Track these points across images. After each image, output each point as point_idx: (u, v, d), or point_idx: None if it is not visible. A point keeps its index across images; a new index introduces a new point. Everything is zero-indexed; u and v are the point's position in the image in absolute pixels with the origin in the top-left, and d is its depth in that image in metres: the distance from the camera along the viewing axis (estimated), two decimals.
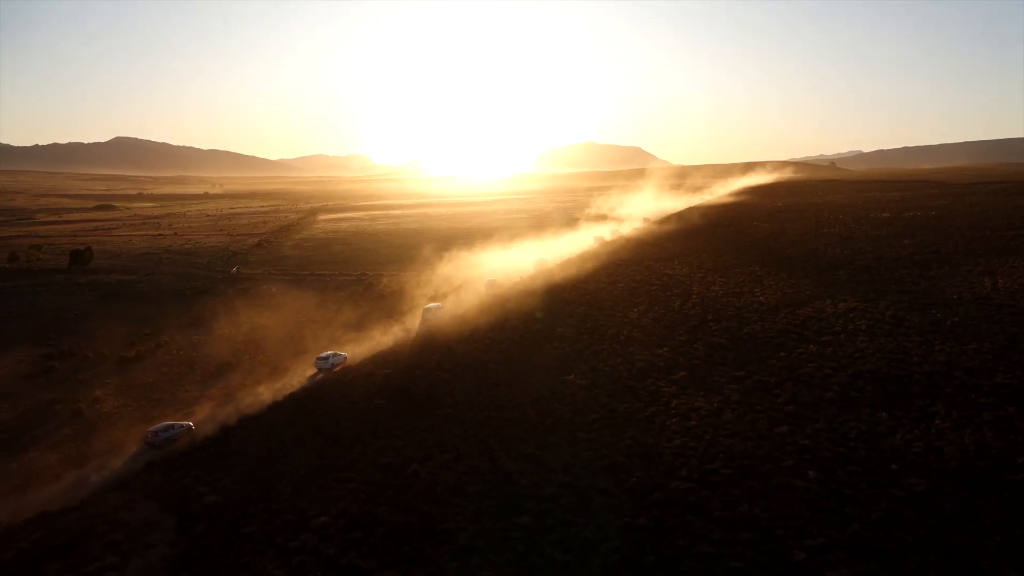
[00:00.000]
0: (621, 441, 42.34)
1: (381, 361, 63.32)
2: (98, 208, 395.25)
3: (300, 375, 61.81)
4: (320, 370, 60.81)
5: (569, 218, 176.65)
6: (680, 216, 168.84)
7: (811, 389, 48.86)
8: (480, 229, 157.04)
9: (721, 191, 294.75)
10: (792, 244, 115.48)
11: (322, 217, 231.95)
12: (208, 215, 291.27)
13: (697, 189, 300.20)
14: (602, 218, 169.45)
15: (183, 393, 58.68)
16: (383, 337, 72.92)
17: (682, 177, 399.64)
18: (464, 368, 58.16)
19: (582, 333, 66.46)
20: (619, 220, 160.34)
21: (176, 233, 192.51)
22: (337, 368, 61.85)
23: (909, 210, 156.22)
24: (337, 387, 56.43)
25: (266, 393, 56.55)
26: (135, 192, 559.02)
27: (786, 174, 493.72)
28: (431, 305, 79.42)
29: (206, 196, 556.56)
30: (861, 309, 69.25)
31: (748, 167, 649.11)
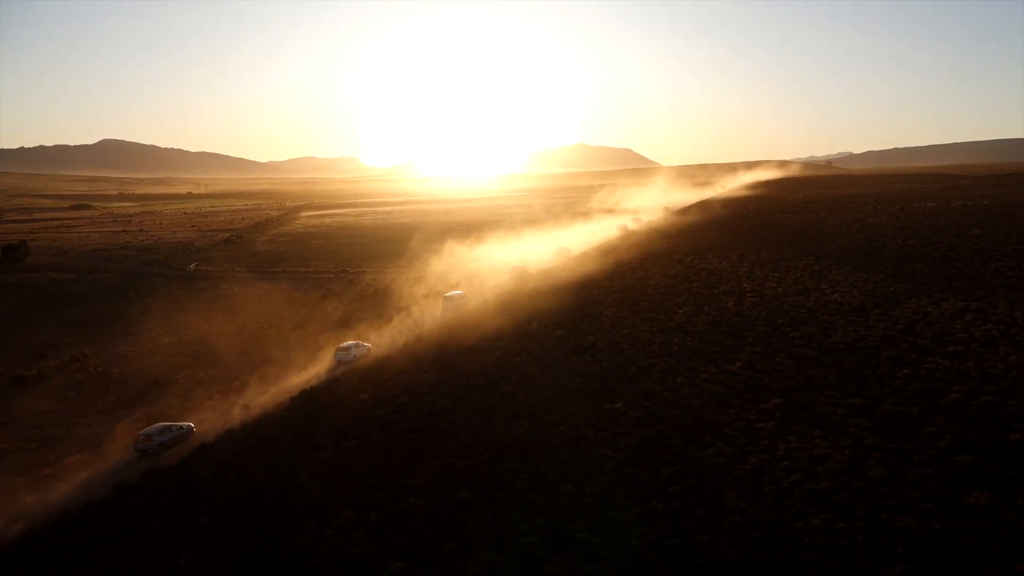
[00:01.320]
0: (723, 519, 26.88)
1: (362, 378, 48.03)
2: (73, 207, 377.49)
3: (251, 399, 46.32)
4: (340, 362, 52.89)
5: (575, 211, 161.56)
6: (700, 207, 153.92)
7: (978, 425, 33.52)
8: (478, 223, 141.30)
9: (730, 185, 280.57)
10: (840, 235, 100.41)
11: (305, 214, 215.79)
12: (185, 213, 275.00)
13: (702, 184, 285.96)
14: (611, 211, 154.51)
15: (81, 428, 43.00)
16: (369, 340, 57.46)
17: (683, 174, 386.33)
18: (471, 390, 42.67)
19: (619, 342, 51.02)
20: (633, 212, 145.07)
21: (142, 230, 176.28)
22: (359, 360, 53.12)
23: (955, 200, 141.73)
24: (292, 421, 40.86)
25: (197, 427, 41.01)
26: (116, 192, 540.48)
27: (791, 171, 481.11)
28: (452, 293, 68.50)
29: (189, 196, 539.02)
30: (977, 310, 53.92)
31: (748, 165, 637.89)
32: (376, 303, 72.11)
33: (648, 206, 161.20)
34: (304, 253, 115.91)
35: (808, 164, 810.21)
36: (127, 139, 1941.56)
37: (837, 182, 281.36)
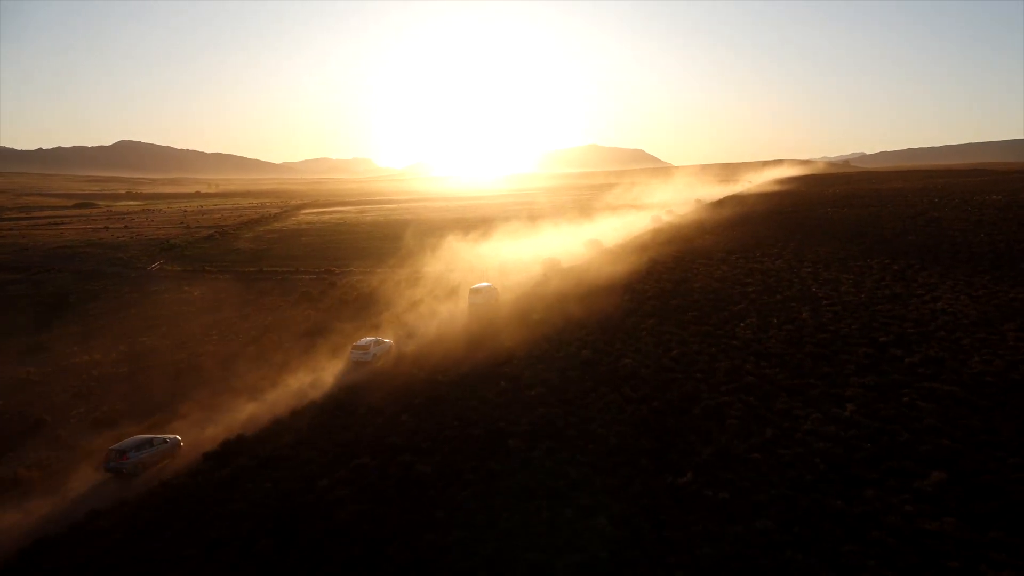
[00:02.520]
0: None
1: (311, 423, 35.12)
2: (76, 206, 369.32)
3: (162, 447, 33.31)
4: (358, 363, 44.72)
5: (597, 206, 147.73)
6: (734, 200, 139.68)
7: None
8: (488, 218, 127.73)
9: (756, 180, 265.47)
10: (907, 231, 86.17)
11: (305, 211, 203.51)
12: (185, 211, 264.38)
13: (726, 180, 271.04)
14: (637, 206, 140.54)
15: None
16: (329, 368, 44.36)
17: (702, 172, 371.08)
18: (463, 445, 29.40)
19: (669, 368, 37.50)
20: (662, 206, 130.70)
21: (127, 227, 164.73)
22: (379, 360, 45.28)
23: (1021, 192, 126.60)
24: (190, 502, 27.74)
25: (41, 506, 28.05)
26: (124, 191, 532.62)
27: (815, 168, 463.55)
28: (480, 285, 60.12)
29: (197, 195, 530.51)
30: None
31: (766, 163, 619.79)
32: (359, 308, 59.10)
33: (676, 200, 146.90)
34: (289, 251, 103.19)
35: (823, 163, 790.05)
36: (143, 140, 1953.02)
37: (868, 177, 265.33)
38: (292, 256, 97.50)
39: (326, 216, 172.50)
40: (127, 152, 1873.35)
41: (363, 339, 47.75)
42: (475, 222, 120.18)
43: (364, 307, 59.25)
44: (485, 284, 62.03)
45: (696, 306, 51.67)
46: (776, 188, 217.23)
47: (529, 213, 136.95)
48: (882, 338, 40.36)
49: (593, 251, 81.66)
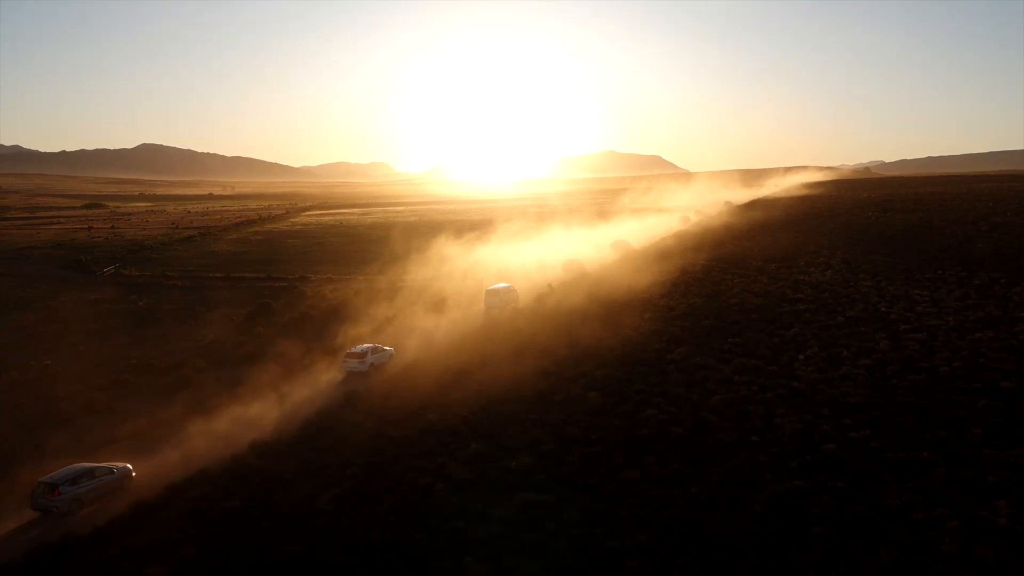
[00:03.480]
0: None
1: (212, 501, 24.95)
2: (85, 207, 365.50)
3: None
4: (352, 373, 40.03)
5: (617, 208, 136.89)
6: (764, 203, 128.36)
7: None
8: (494, 221, 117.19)
9: (783, 184, 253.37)
10: (971, 237, 74.57)
11: (308, 212, 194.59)
12: (188, 211, 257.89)
13: (752, 184, 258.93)
14: (659, 209, 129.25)
15: None
16: (253, 409, 33.99)
17: (724, 177, 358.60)
18: None
19: (708, 421, 26.78)
20: (687, 209, 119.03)
21: (113, 227, 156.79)
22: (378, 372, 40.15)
23: None
24: None
25: None
26: (137, 193, 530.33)
27: (841, 173, 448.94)
28: (498, 286, 55.95)
29: (210, 197, 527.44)
30: None
31: (787, 170, 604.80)
32: (320, 325, 48.96)
33: (701, 203, 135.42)
34: (270, 254, 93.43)
35: (851, 169, 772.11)
36: (165, 143, 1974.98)
37: (900, 182, 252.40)
38: (270, 260, 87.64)
39: (326, 218, 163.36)
40: (148, 155, 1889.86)
41: (359, 345, 42.52)
42: (481, 224, 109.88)
43: (328, 323, 48.96)
44: (503, 285, 56.56)
45: (737, 329, 40.89)
46: (805, 192, 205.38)
47: (542, 215, 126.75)
48: (1003, 383, 29.32)
49: (616, 254, 71.73)
